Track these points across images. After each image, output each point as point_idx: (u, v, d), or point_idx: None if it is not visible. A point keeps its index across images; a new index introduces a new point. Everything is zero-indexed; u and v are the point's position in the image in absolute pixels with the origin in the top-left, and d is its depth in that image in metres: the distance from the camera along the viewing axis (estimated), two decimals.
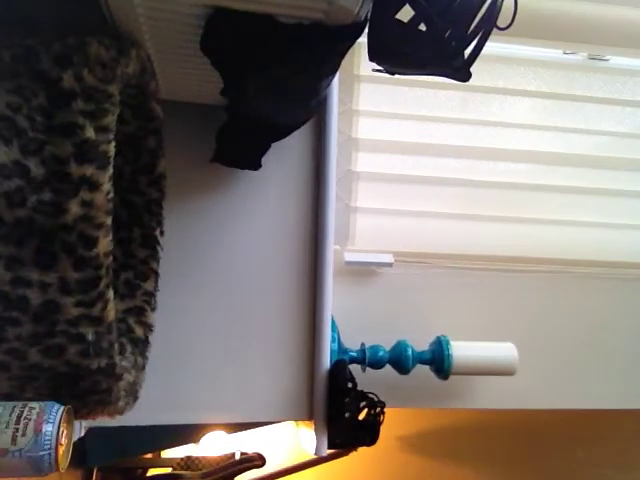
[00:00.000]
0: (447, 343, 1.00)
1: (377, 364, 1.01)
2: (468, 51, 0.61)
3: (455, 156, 1.16)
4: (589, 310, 1.19)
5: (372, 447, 0.98)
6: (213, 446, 1.49)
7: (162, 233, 0.84)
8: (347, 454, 1.46)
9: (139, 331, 0.79)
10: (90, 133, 0.56)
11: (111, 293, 0.63)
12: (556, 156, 1.19)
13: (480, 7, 0.58)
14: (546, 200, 1.19)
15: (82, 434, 0.88)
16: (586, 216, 1.20)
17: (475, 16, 0.58)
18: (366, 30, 0.62)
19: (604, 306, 1.19)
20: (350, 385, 0.96)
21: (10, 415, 0.66)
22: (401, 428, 1.72)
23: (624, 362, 1.18)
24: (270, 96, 0.74)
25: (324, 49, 0.64)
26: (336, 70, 0.73)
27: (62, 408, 0.61)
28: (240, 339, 0.99)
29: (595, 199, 1.21)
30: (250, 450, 1.38)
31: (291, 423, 1.20)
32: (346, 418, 0.95)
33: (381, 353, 1.01)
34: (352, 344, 1.04)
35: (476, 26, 0.58)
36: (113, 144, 0.59)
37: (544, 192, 1.19)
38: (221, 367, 0.98)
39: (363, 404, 0.96)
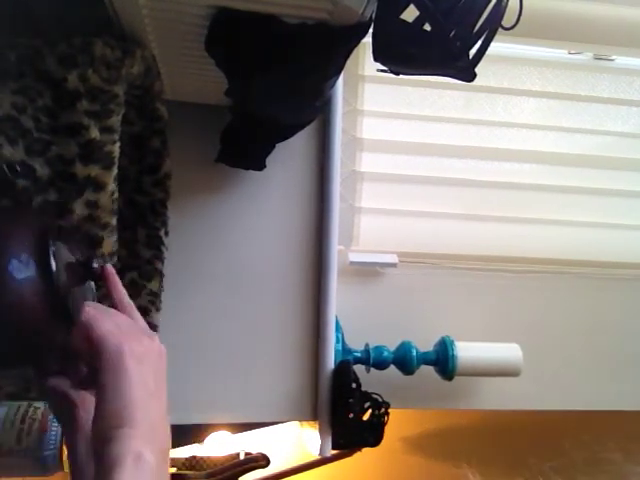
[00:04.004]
0: (452, 344, 1.00)
1: (381, 365, 1.00)
2: (473, 51, 0.61)
3: (460, 156, 1.16)
4: (592, 311, 1.18)
5: (376, 448, 0.98)
6: (217, 446, 1.49)
7: (167, 233, 0.84)
8: (351, 455, 1.45)
9: None
10: (95, 133, 0.56)
11: None
12: (561, 156, 1.18)
13: (485, 7, 0.58)
14: (554, 200, 1.19)
15: None
16: (594, 217, 1.20)
17: (480, 16, 0.58)
18: (371, 30, 0.62)
19: (607, 306, 1.19)
20: (354, 386, 0.96)
21: (15, 415, 0.66)
22: (405, 429, 1.72)
23: (627, 362, 1.18)
24: (274, 96, 0.74)
25: (329, 49, 0.64)
26: (341, 70, 0.73)
27: None
28: (244, 339, 0.99)
29: (602, 199, 1.20)
30: (254, 450, 1.37)
31: (295, 423, 1.20)
32: (350, 419, 0.95)
33: (385, 354, 1.01)
34: (356, 344, 1.04)
35: (481, 26, 0.58)
36: (118, 144, 0.59)
37: (551, 192, 1.19)
38: (225, 367, 0.98)
39: (367, 405, 0.96)
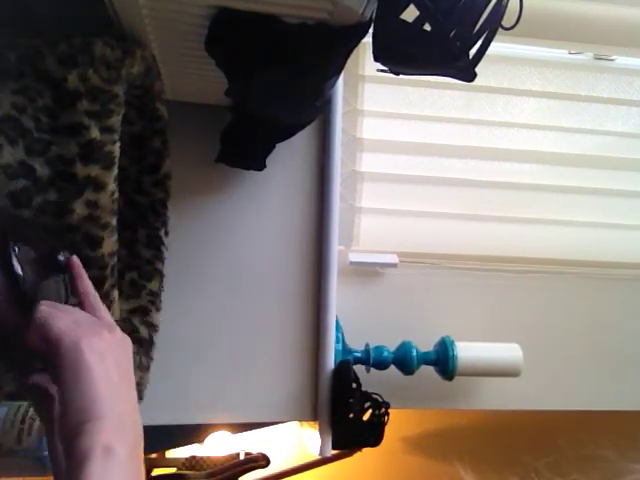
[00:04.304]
0: (452, 344, 1.00)
1: (381, 365, 1.00)
2: (473, 51, 0.61)
3: (460, 156, 1.16)
4: (592, 311, 1.18)
5: (376, 448, 0.97)
6: (217, 446, 1.49)
7: (167, 233, 0.84)
8: (351, 455, 1.46)
9: (144, 331, 0.79)
10: (95, 133, 0.56)
11: (116, 293, 0.64)
12: (561, 156, 1.18)
13: (485, 7, 0.58)
14: (554, 200, 1.19)
15: None
16: (594, 217, 1.20)
17: (480, 16, 0.58)
18: (371, 30, 0.62)
19: (607, 306, 1.19)
20: (354, 386, 0.96)
21: (15, 415, 0.66)
22: (405, 429, 1.72)
23: (627, 362, 1.18)
24: (274, 96, 0.74)
25: (329, 49, 0.64)
26: (341, 70, 0.73)
27: None
28: (244, 339, 0.99)
29: (602, 199, 1.20)
30: (254, 450, 1.37)
31: (295, 423, 1.20)
32: (350, 419, 0.95)
33: (385, 354, 1.01)
34: (356, 344, 1.04)
35: (481, 26, 0.58)
36: (118, 144, 0.59)
37: (550, 192, 1.19)
38: (225, 367, 0.98)
39: (367, 405, 0.96)
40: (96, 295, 0.53)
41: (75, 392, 0.42)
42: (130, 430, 0.44)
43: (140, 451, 0.45)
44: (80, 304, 0.51)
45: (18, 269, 0.46)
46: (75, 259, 0.53)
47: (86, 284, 0.53)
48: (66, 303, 0.52)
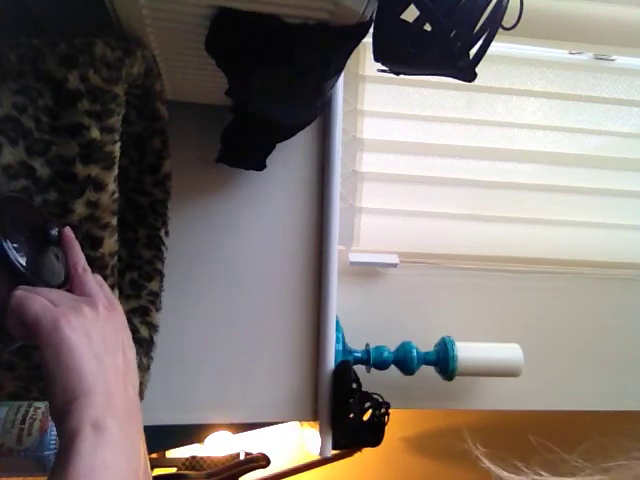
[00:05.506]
0: (452, 344, 1.00)
1: (382, 365, 1.00)
2: (473, 51, 0.61)
3: (460, 156, 1.16)
4: (593, 311, 1.18)
5: (377, 448, 0.98)
6: (218, 446, 1.49)
7: (167, 233, 0.84)
8: (352, 455, 1.46)
9: (144, 331, 0.79)
10: (96, 133, 0.56)
11: (116, 293, 0.64)
12: (562, 156, 1.18)
13: (486, 7, 0.58)
14: (554, 200, 1.19)
15: None
16: (594, 217, 1.20)
17: (480, 16, 0.58)
18: (371, 30, 0.62)
19: (607, 307, 1.19)
20: (355, 386, 0.96)
21: (15, 415, 0.66)
22: (405, 429, 1.72)
23: (628, 363, 1.18)
24: (275, 96, 0.74)
25: (329, 49, 0.64)
26: (341, 70, 0.73)
27: None
28: (244, 339, 0.99)
29: (602, 199, 1.20)
30: (255, 450, 1.38)
31: (296, 424, 1.20)
32: (351, 419, 0.95)
33: (386, 354, 1.01)
34: (356, 345, 1.04)
35: (481, 26, 0.58)
36: (119, 144, 0.59)
37: (550, 192, 1.19)
38: (226, 367, 0.98)
39: (368, 405, 0.96)
40: (87, 268, 0.52)
41: (59, 371, 0.42)
42: (121, 405, 0.43)
43: (136, 426, 0.44)
44: (69, 276, 0.51)
45: (17, 262, 0.46)
46: (67, 231, 0.53)
47: (75, 256, 0.52)
48: (65, 277, 0.52)
